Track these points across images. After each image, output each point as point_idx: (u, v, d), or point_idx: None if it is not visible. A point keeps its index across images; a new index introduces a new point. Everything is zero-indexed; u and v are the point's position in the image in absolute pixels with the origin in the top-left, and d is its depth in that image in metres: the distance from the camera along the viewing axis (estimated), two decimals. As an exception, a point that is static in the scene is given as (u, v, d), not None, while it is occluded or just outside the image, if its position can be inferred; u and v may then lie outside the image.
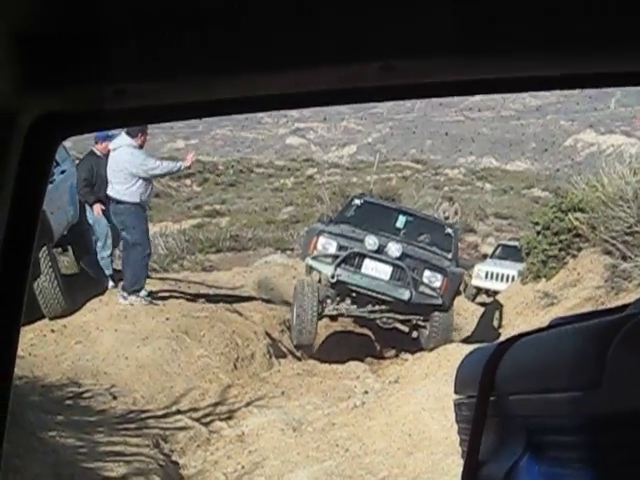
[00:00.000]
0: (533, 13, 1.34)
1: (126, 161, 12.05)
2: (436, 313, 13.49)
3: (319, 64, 1.42)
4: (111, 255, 13.27)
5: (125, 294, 12.18)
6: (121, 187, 12.07)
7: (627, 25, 1.35)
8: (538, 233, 15.55)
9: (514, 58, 1.43)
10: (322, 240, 13.67)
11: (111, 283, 12.92)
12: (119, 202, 12.14)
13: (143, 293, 12.26)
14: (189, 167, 13.57)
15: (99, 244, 13.02)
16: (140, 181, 12.19)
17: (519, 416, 1.85)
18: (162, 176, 13.21)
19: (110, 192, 12.20)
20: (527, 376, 1.76)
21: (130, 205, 12.16)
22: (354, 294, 13.66)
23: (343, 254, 13.39)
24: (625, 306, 1.80)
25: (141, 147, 12.32)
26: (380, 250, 13.37)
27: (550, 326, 2.01)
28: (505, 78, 1.53)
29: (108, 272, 13.03)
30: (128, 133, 12.03)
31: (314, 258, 13.69)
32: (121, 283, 12.61)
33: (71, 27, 1.32)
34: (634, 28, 1.35)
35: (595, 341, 1.42)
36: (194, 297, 13.67)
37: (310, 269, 14.52)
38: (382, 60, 1.40)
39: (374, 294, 13.40)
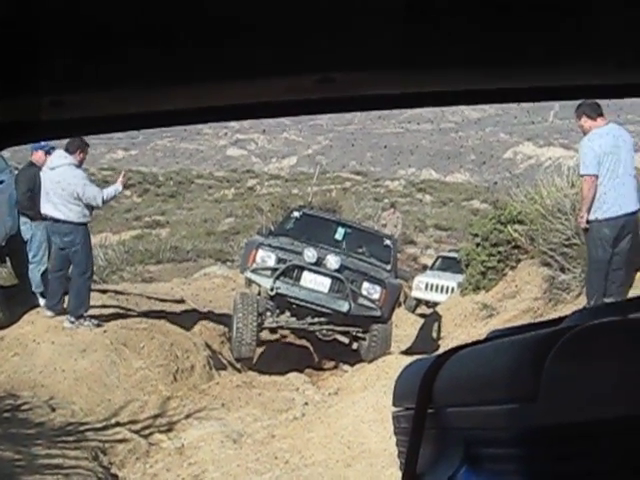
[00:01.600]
0: (471, 27, 1.35)
1: (70, 182, 11.76)
2: (375, 325, 13.52)
3: (257, 76, 1.42)
4: (45, 272, 12.87)
5: (72, 319, 11.79)
6: (65, 208, 11.75)
7: (564, 40, 1.36)
8: (477, 245, 15.66)
9: (453, 72, 1.43)
10: (261, 253, 13.65)
11: (42, 301, 12.43)
12: (64, 222, 11.81)
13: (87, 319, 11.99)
14: (125, 187, 13.57)
15: (34, 259, 12.68)
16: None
17: (457, 428, 1.85)
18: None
19: (51, 212, 11.85)
20: (464, 388, 1.76)
21: (76, 225, 11.87)
22: (294, 306, 13.63)
23: (282, 267, 13.38)
24: (562, 318, 1.81)
25: (80, 164, 12.12)
26: (319, 262, 13.38)
27: (487, 339, 2.02)
28: (444, 91, 1.53)
29: (39, 290, 12.58)
30: (67, 150, 11.83)
31: (253, 271, 13.66)
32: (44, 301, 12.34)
33: (6, 37, 1.30)
34: (571, 43, 1.36)
35: (531, 353, 1.43)
36: (133, 309, 13.55)
37: (249, 282, 14.52)
38: (321, 72, 1.40)
39: (313, 306, 13.39)
